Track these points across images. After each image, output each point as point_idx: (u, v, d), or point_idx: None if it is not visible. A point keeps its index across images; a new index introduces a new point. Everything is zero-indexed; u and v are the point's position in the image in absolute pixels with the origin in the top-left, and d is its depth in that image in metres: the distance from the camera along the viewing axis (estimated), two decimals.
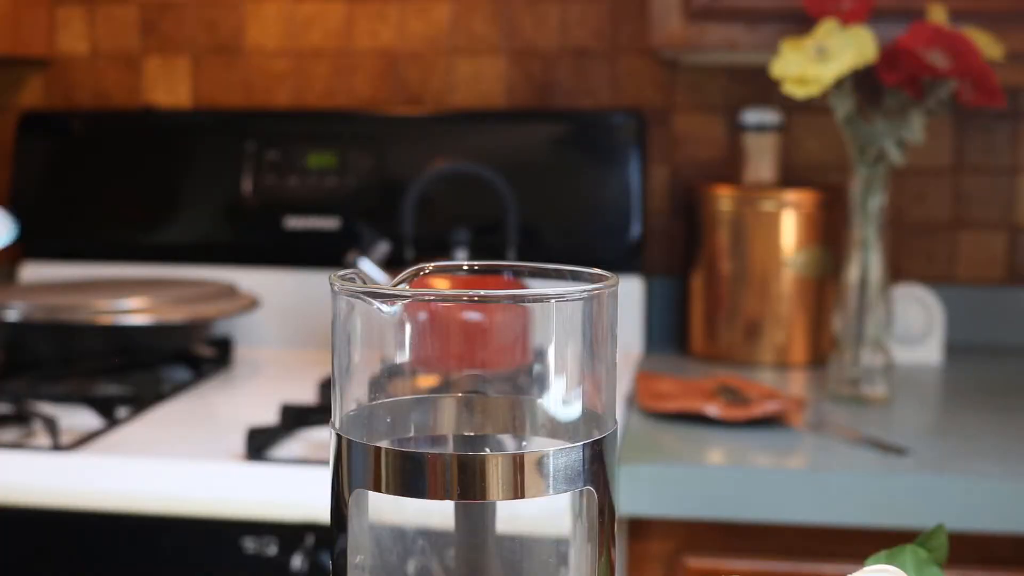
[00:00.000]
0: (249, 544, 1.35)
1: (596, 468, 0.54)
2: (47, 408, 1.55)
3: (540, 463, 0.53)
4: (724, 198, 1.88)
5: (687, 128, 2.04)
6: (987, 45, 1.60)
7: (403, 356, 0.56)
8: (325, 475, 0.56)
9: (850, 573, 0.59)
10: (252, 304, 1.91)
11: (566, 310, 0.55)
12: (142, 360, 1.78)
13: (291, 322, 2.03)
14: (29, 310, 1.77)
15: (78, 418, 1.53)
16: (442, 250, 1.84)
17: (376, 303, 0.53)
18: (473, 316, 0.56)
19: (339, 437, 0.55)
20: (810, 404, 1.63)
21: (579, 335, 0.55)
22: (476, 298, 0.54)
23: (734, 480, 1.38)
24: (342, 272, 0.56)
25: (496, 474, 0.52)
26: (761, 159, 1.91)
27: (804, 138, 2.04)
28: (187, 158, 2.07)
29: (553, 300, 0.55)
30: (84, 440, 1.44)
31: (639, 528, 1.43)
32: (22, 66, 2.21)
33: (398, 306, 0.53)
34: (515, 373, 0.58)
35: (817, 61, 1.58)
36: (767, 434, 1.51)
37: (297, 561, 1.34)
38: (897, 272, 1.99)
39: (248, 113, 2.09)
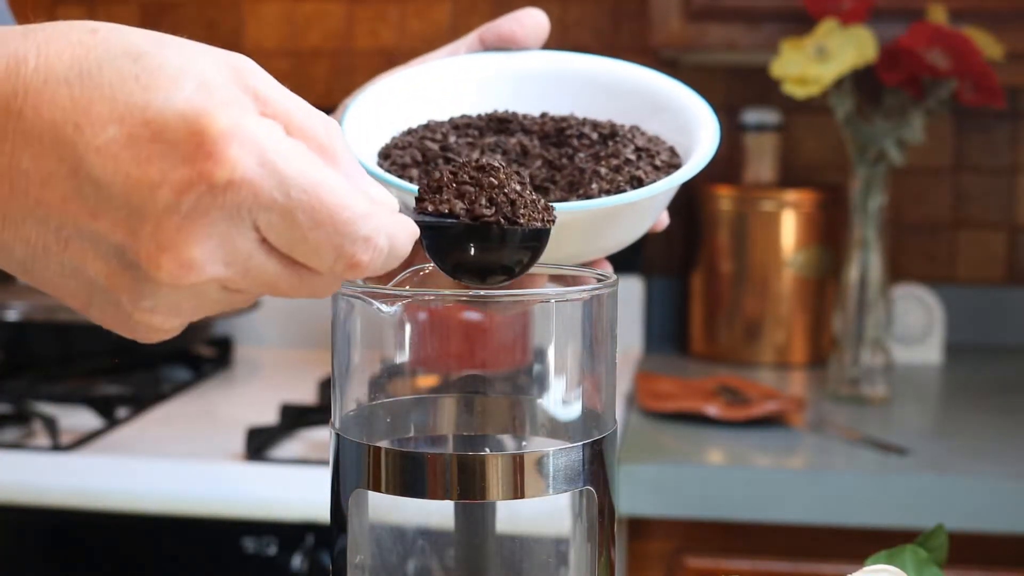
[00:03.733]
0: (249, 544, 1.35)
1: (596, 468, 0.54)
2: (47, 408, 1.55)
3: (540, 463, 0.53)
4: (724, 198, 1.88)
5: None
6: (987, 45, 1.59)
7: (403, 356, 0.56)
8: (325, 475, 0.56)
9: (850, 573, 0.59)
10: (252, 304, 1.91)
11: (566, 310, 0.55)
12: (142, 360, 1.78)
13: (291, 322, 2.03)
14: (29, 310, 1.77)
15: (78, 418, 1.53)
16: None
17: (376, 303, 0.53)
18: (473, 316, 0.56)
19: (339, 437, 0.55)
20: (810, 404, 1.63)
21: (579, 335, 0.55)
22: (476, 298, 0.54)
23: (734, 480, 1.38)
24: None
25: (496, 474, 0.52)
26: (761, 159, 1.91)
27: (804, 138, 2.04)
28: None
29: (553, 300, 0.55)
30: (84, 440, 1.44)
31: (639, 528, 1.43)
32: None
33: (398, 306, 0.53)
34: (515, 373, 0.58)
35: (817, 61, 1.58)
36: (767, 434, 1.51)
37: (297, 561, 1.34)
38: (897, 272, 1.99)
39: None
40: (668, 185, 0.63)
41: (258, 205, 0.44)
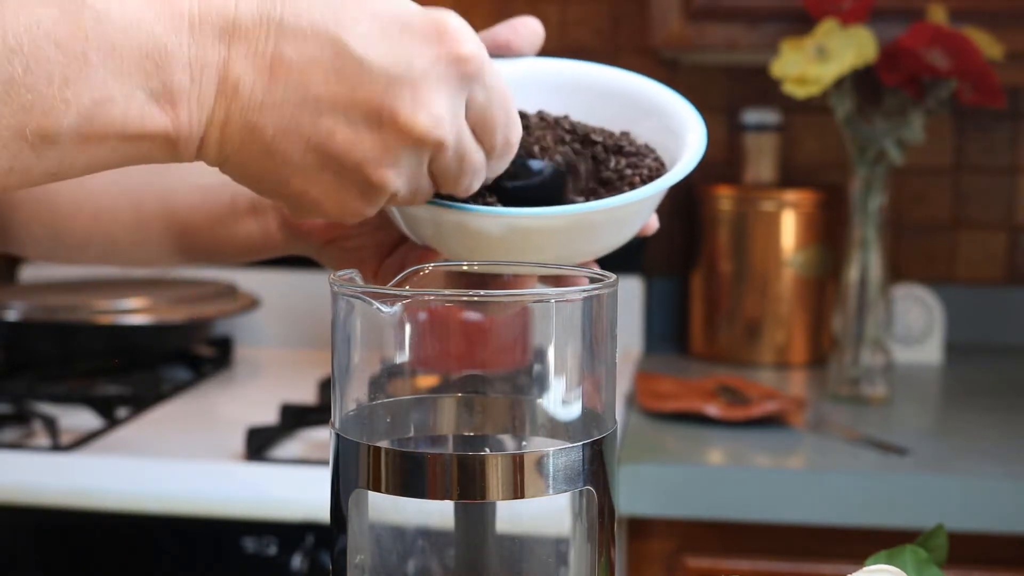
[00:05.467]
0: (249, 544, 1.35)
1: (596, 468, 0.54)
2: (47, 408, 1.55)
3: (540, 463, 0.53)
4: (724, 198, 1.88)
5: None
6: (987, 45, 1.59)
7: (403, 356, 0.56)
8: (325, 475, 0.56)
9: (850, 573, 0.59)
10: (252, 304, 1.91)
11: (566, 310, 0.55)
12: (142, 360, 1.78)
13: (291, 322, 2.03)
14: (29, 310, 1.76)
15: (78, 418, 1.53)
16: None
17: (376, 303, 0.53)
18: (473, 316, 0.56)
19: (339, 437, 0.55)
20: (810, 404, 1.63)
21: (579, 335, 0.55)
22: (476, 298, 0.54)
23: (734, 480, 1.38)
24: (342, 272, 0.56)
25: (496, 474, 0.52)
26: (761, 159, 1.91)
27: (804, 138, 2.04)
28: None
29: (553, 300, 0.55)
30: (84, 440, 1.44)
31: (639, 528, 1.43)
32: None
33: (398, 306, 0.53)
34: (515, 373, 0.58)
35: (817, 61, 1.58)
36: (767, 434, 1.51)
37: (297, 561, 1.34)
38: (897, 272, 1.99)
39: None
40: (649, 192, 0.64)
41: (477, 78, 0.58)
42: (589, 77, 0.73)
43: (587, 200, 0.66)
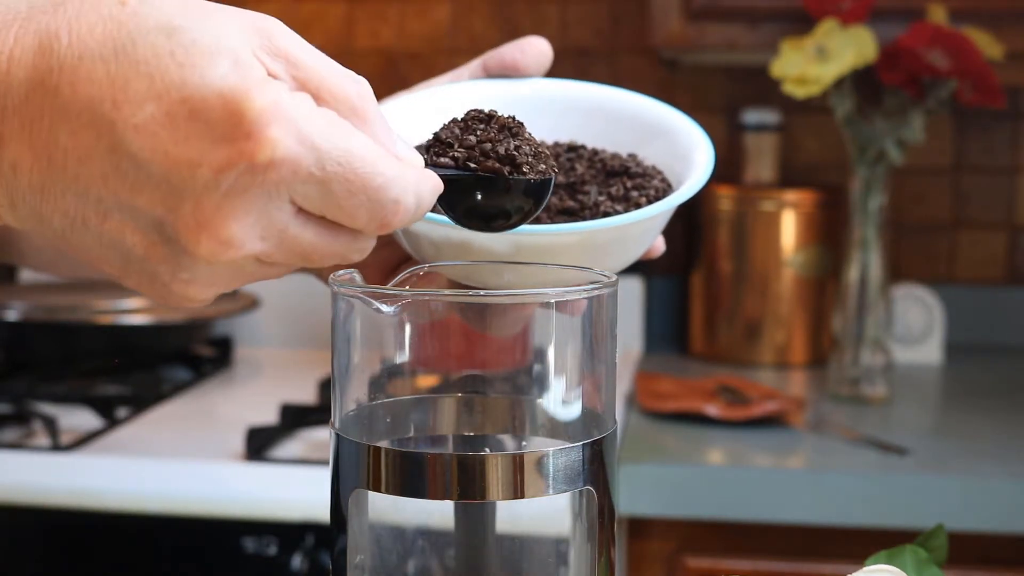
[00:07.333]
0: (249, 544, 1.35)
1: (596, 468, 0.54)
2: (47, 408, 1.55)
3: (540, 463, 0.53)
4: (724, 198, 1.88)
5: None
6: (987, 45, 1.59)
7: (403, 356, 0.56)
8: (325, 475, 0.56)
9: (850, 573, 0.59)
10: (252, 304, 1.91)
11: (566, 310, 0.55)
12: (142, 360, 1.78)
13: (291, 322, 2.03)
14: (29, 310, 1.76)
15: (78, 418, 1.53)
16: None
17: (376, 303, 0.53)
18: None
19: (339, 437, 0.55)
20: (810, 404, 1.63)
21: (579, 335, 0.55)
22: (476, 298, 0.54)
23: (734, 480, 1.38)
24: (342, 272, 0.56)
25: (496, 474, 0.52)
26: (761, 159, 1.91)
27: (804, 138, 2.04)
28: None
29: (553, 300, 0.55)
30: (84, 440, 1.44)
31: (639, 528, 1.43)
32: None
33: (398, 306, 0.53)
34: (515, 373, 0.58)
35: (817, 61, 1.58)
36: (767, 434, 1.51)
37: (297, 561, 1.34)
38: (897, 272, 1.99)
39: None
40: (654, 211, 0.64)
41: (297, 180, 0.45)
42: (596, 99, 0.73)
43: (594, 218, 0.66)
